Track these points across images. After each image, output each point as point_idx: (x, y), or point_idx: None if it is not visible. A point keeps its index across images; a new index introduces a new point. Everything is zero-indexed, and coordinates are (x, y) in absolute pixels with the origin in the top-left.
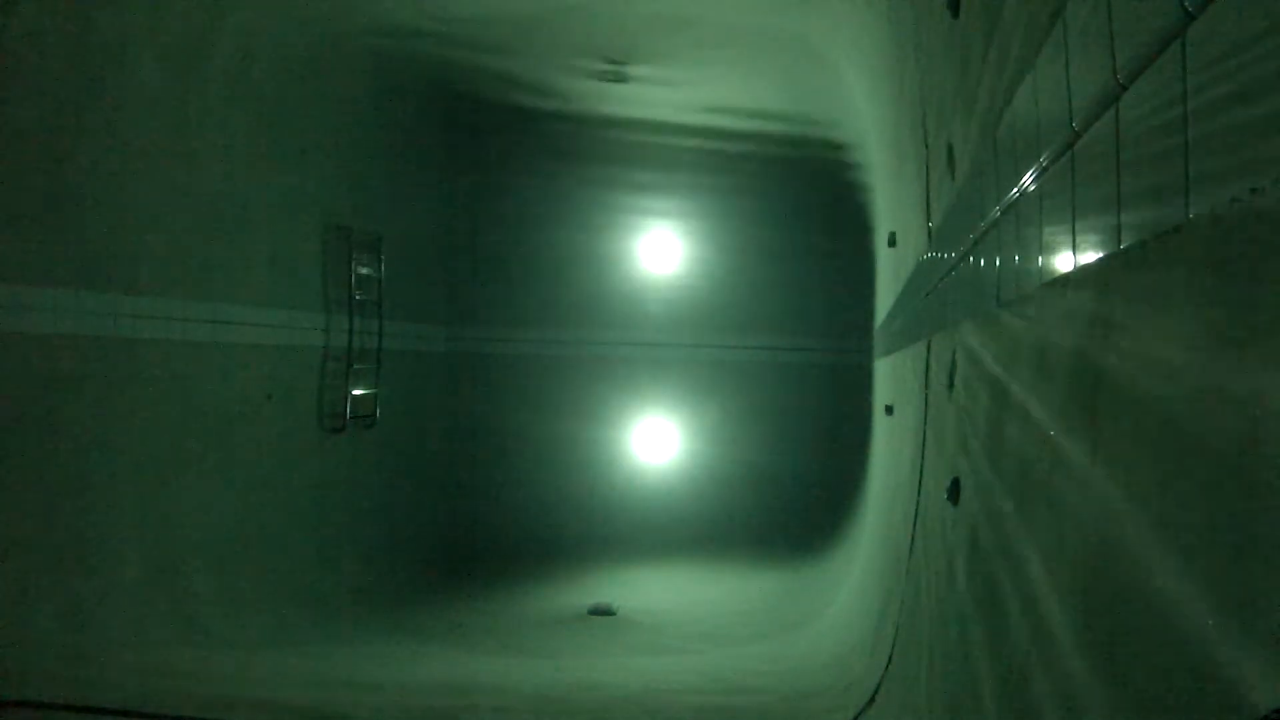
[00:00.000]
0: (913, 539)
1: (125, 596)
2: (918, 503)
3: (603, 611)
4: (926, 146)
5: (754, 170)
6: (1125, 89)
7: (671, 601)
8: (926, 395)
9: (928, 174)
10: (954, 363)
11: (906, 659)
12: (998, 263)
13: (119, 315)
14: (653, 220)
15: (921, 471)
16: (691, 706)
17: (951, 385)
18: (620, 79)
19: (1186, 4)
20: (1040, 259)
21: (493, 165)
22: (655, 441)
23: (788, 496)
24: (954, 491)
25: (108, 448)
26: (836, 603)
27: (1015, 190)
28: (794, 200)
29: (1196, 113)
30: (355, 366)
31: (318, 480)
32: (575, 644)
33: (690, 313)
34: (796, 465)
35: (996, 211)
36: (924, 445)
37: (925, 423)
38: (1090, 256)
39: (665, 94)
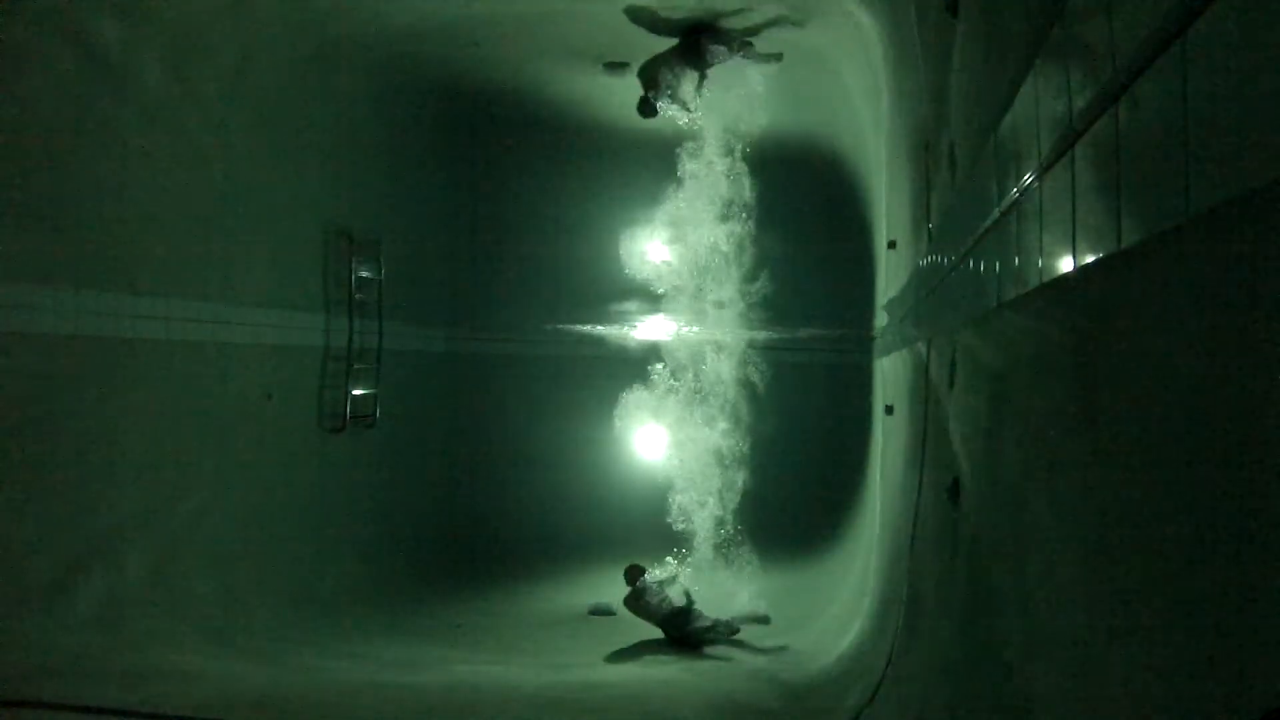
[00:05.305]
0: (913, 539)
1: (125, 596)
2: (918, 503)
3: (603, 611)
4: (926, 147)
5: (754, 170)
6: (1125, 89)
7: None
8: (926, 395)
9: (928, 174)
10: (954, 362)
11: (906, 659)
12: (998, 263)
13: (119, 315)
14: (653, 220)
15: (921, 471)
16: (692, 706)
17: (952, 385)
18: (621, 76)
19: (1186, 4)
20: (1040, 259)
21: (492, 166)
22: (655, 441)
23: (788, 496)
24: (954, 491)
25: (108, 448)
26: (836, 603)
27: (1015, 190)
28: (794, 200)
29: (1196, 113)
30: (355, 367)
31: (318, 480)
32: (575, 644)
33: (690, 313)
34: (796, 465)
35: (997, 212)
36: (924, 445)
37: (925, 423)
38: (1090, 256)
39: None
